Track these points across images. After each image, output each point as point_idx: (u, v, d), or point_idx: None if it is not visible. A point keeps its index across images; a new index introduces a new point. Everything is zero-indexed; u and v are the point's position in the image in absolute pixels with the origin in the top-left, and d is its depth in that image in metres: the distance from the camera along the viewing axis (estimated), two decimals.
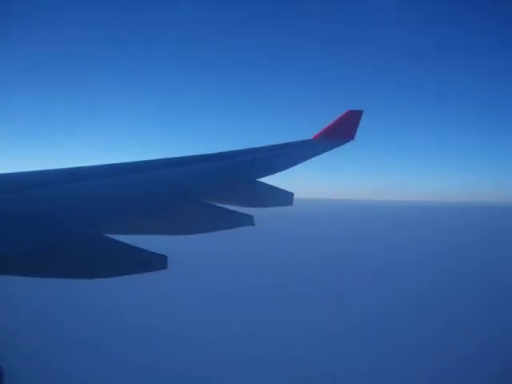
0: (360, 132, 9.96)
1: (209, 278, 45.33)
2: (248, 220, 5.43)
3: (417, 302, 41.12)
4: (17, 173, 5.01)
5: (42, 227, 3.61)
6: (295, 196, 6.66)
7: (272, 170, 6.98)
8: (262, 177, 6.58)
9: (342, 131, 9.78)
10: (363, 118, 10.03)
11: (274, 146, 8.75)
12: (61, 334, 29.44)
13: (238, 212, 5.58)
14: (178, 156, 6.93)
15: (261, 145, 8.65)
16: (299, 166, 7.90)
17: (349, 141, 9.84)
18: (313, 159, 8.45)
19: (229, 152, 7.76)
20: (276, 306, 37.58)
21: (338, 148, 9.52)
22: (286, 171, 7.41)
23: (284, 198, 6.66)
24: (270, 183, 6.62)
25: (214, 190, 5.93)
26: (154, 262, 3.98)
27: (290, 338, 31.12)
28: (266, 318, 34.95)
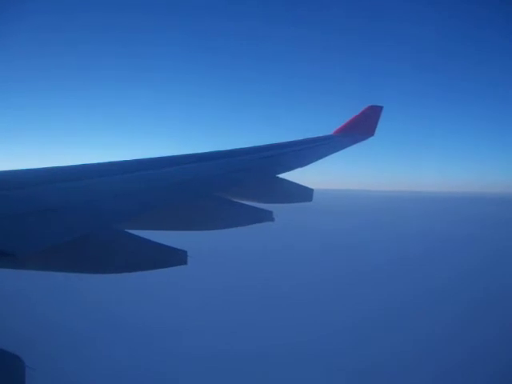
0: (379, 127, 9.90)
1: (229, 274, 45.35)
2: (268, 216, 5.42)
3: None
4: (38, 168, 5.06)
5: (65, 222, 3.64)
6: (315, 188, 6.64)
7: (292, 166, 6.95)
8: (281, 173, 6.56)
9: (362, 127, 9.71)
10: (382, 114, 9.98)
11: (294, 141, 8.72)
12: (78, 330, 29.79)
13: (257, 208, 5.58)
14: (197, 152, 6.93)
15: (281, 141, 8.63)
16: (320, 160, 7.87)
17: (369, 137, 9.77)
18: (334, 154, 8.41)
19: (249, 148, 7.74)
20: (297, 304, 37.50)
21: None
22: (306, 166, 7.39)
23: (304, 194, 6.64)
24: (290, 178, 6.61)
25: (233, 187, 5.92)
26: (175, 257, 4.00)
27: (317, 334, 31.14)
28: (286, 314, 34.94)
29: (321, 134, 9.73)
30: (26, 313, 30.04)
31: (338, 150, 8.59)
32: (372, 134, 9.81)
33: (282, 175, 6.51)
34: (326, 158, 8.12)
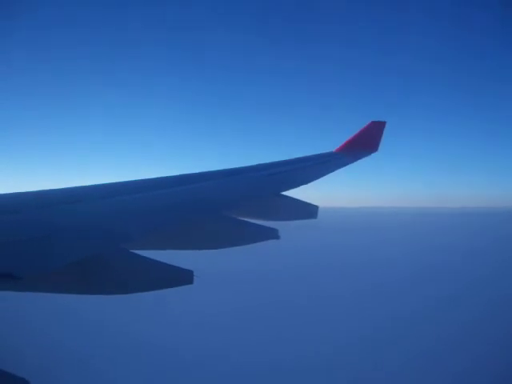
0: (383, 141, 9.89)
1: (235, 293, 45.13)
2: (273, 233, 5.42)
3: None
4: (40, 191, 5.09)
5: (70, 244, 3.65)
6: (319, 205, 6.63)
7: (296, 184, 6.95)
8: (286, 190, 6.56)
9: (365, 142, 9.69)
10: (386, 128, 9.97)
11: (298, 158, 8.73)
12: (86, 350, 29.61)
13: (262, 226, 5.57)
14: (201, 171, 6.96)
15: (285, 158, 8.64)
16: (324, 178, 7.86)
17: (373, 152, 9.75)
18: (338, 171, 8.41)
19: (252, 166, 7.76)
20: (306, 322, 37.14)
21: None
22: (311, 183, 7.39)
23: (308, 211, 6.63)
24: (295, 196, 6.60)
25: (238, 205, 5.93)
26: (180, 277, 3.99)
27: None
28: (293, 333, 34.64)
29: (324, 151, 9.74)
30: (33, 334, 29.96)
31: (341, 167, 8.58)
32: (376, 150, 9.79)
33: (286, 192, 6.52)
34: (331, 174, 8.12)
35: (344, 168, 8.65)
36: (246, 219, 5.64)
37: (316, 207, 6.62)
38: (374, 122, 9.89)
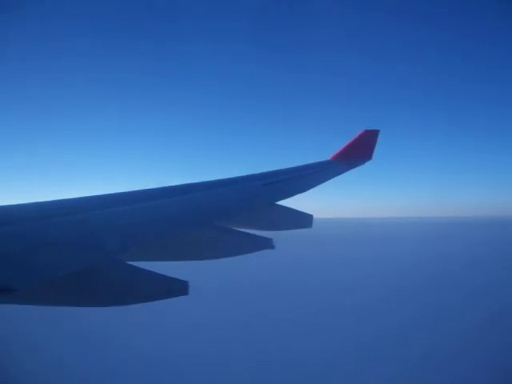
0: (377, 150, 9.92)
1: (231, 304, 44.90)
2: (268, 243, 5.41)
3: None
4: (33, 203, 5.07)
5: (64, 256, 3.63)
6: (315, 216, 6.63)
7: (291, 193, 6.96)
8: (281, 199, 6.56)
9: (359, 151, 9.73)
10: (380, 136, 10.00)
11: (292, 168, 8.73)
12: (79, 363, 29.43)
13: (257, 235, 5.57)
14: (195, 182, 6.95)
15: (279, 167, 8.65)
16: (319, 187, 7.88)
17: (367, 161, 9.79)
18: (332, 180, 8.42)
19: (246, 176, 7.76)
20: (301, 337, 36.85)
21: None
22: (305, 193, 7.39)
23: (303, 220, 6.63)
24: (290, 205, 6.60)
25: (232, 215, 5.92)
26: (176, 288, 3.98)
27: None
28: (288, 347, 34.45)
29: (319, 160, 9.75)
30: (29, 348, 29.75)
31: (336, 175, 8.60)
32: (370, 158, 9.83)
33: (281, 202, 6.52)
34: (325, 183, 8.14)
35: (339, 177, 8.68)
36: (240, 229, 5.63)
37: (311, 216, 6.63)
38: (367, 131, 9.93)
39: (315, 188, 7.76)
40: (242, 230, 5.64)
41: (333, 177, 8.49)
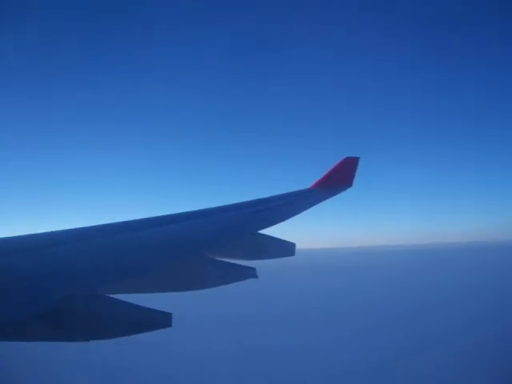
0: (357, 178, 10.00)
1: (215, 335, 44.39)
2: (251, 273, 5.39)
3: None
4: (13, 236, 5.00)
5: (43, 290, 3.58)
6: (297, 247, 6.63)
7: (272, 222, 6.97)
8: (263, 228, 6.57)
9: (340, 178, 9.80)
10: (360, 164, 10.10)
11: (272, 197, 8.77)
12: None
13: (240, 265, 5.55)
14: (174, 213, 6.94)
15: (259, 196, 8.67)
16: (299, 215, 7.90)
17: (347, 188, 9.85)
18: (313, 208, 8.45)
19: (227, 206, 7.77)
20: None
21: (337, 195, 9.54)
22: (287, 221, 7.40)
23: (286, 248, 6.64)
24: (272, 234, 6.60)
25: (214, 245, 5.91)
26: (159, 320, 3.93)
27: None
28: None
29: (300, 189, 9.81)
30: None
31: (317, 203, 8.64)
32: (350, 185, 9.91)
33: (263, 231, 6.52)
34: (306, 211, 8.16)
35: (320, 204, 8.71)
36: (223, 259, 5.61)
37: (293, 244, 6.63)
38: (347, 158, 10.03)
39: (297, 216, 7.78)
40: (225, 259, 5.62)
41: (315, 204, 8.53)
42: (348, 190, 9.89)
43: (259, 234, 6.44)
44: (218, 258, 5.55)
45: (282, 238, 6.65)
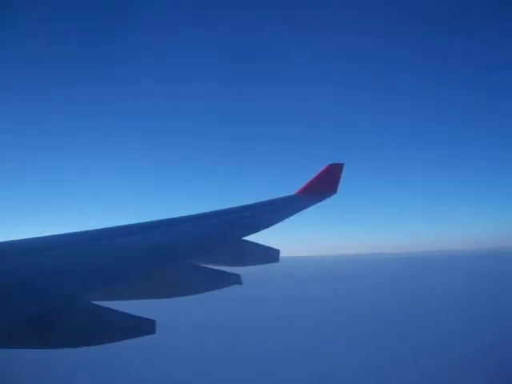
0: (342, 184, 10.05)
1: (199, 343, 44.17)
2: (235, 279, 5.40)
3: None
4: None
5: (25, 297, 3.56)
6: (282, 254, 6.65)
7: (257, 228, 6.98)
8: (247, 235, 6.58)
9: (324, 185, 9.85)
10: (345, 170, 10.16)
11: (257, 203, 8.79)
12: None
13: (225, 271, 5.55)
14: (159, 219, 6.94)
15: (244, 203, 8.69)
16: (284, 222, 7.92)
17: (332, 194, 9.90)
18: (297, 215, 8.48)
19: (212, 212, 7.79)
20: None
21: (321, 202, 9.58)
22: (272, 228, 7.43)
23: (270, 255, 6.65)
24: (256, 241, 6.62)
25: (199, 251, 5.91)
26: (143, 327, 3.92)
27: None
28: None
29: (284, 195, 9.83)
30: None
31: (302, 209, 8.67)
32: (335, 192, 9.95)
33: (247, 237, 6.53)
34: (291, 218, 8.19)
35: (305, 211, 8.74)
36: (207, 265, 5.61)
37: (277, 251, 6.65)
38: (331, 165, 10.08)
39: (281, 223, 7.80)
40: (210, 266, 5.63)
41: (299, 211, 8.55)
42: (337, 197, 9.95)
43: (244, 240, 6.46)
44: (202, 265, 5.55)
45: (267, 244, 6.68)
